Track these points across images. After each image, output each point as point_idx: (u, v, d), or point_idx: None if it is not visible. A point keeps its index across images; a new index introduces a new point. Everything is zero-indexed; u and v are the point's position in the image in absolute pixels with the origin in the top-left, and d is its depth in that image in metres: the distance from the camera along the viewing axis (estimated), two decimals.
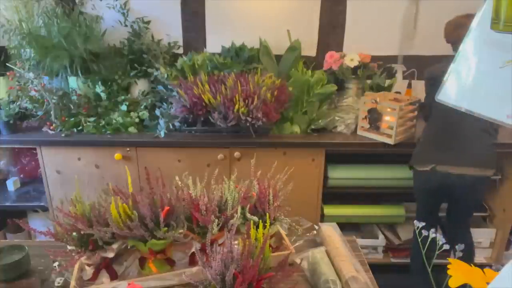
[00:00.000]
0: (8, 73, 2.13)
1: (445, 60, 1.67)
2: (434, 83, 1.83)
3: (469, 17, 1.79)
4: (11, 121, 2.07)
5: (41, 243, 1.29)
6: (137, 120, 2.14)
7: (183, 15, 2.40)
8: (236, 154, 2.06)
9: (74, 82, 2.23)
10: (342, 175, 2.22)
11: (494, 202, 2.30)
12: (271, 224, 1.09)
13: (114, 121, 2.11)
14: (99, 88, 2.25)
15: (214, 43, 2.43)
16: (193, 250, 1.08)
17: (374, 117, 2.04)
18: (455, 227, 2.06)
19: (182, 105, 2.01)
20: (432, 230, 0.82)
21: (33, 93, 2.12)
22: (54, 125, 2.09)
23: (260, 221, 1.01)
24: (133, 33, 2.34)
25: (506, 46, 0.61)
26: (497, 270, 0.58)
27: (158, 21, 2.40)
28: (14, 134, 2.08)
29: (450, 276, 0.68)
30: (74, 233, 1.02)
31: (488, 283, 0.65)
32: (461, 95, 0.68)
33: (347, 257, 1.10)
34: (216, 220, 1.05)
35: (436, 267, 0.86)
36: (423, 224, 0.87)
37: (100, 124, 2.10)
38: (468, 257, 2.06)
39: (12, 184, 2.29)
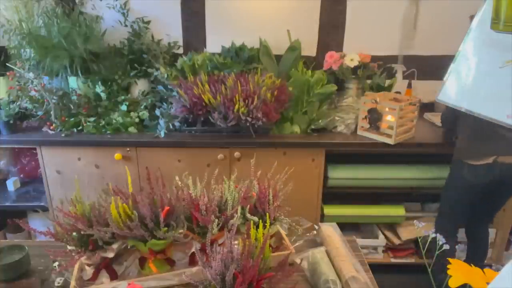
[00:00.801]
0: (8, 73, 2.13)
1: None
2: None
3: None
4: (11, 121, 2.07)
5: (41, 243, 1.29)
6: (137, 120, 2.14)
7: (183, 15, 2.40)
8: (236, 154, 2.06)
9: (74, 82, 2.23)
10: (342, 175, 2.21)
11: None
12: (271, 224, 1.09)
13: (114, 121, 2.11)
14: (99, 88, 2.25)
15: (214, 43, 2.43)
16: (193, 250, 1.08)
17: (374, 117, 2.04)
18: (479, 225, 2.07)
19: (182, 105, 2.01)
20: (432, 230, 0.82)
21: (33, 93, 2.12)
22: (54, 125, 2.09)
23: (260, 221, 1.01)
24: (133, 33, 2.34)
25: (506, 46, 0.61)
26: (497, 270, 0.58)
27: (158, 21, 2.40)
28: (14, 134, 2.08)
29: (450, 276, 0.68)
30: (74, 233, 1.02)
31: (488, 283, 0.65)
32: (461, 95, 0.69)
33: (347, 257, 1.10)
34: (216, 220, 1.05)
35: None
36: (424, 223, 0.86)
37: (100, 124, 2.10)
38: (485, 255, 2.07)
39: (12, 184, 2.29)
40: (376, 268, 1.17)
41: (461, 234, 2.24)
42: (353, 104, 2.23)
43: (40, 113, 2.10)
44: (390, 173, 2.22)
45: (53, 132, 2.09)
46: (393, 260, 2.32)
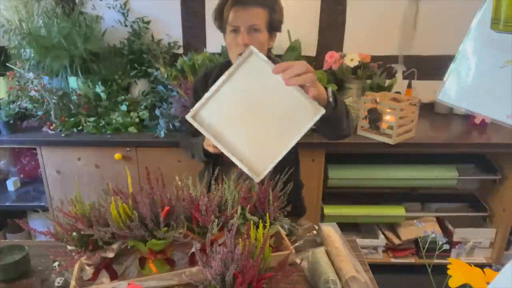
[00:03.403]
0: (8, 73, 2.13)
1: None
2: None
3: None
4: (11, 121, 2.07)
5: (41, 243, 1.29)
6: (137, 120, 2.14)
7: (183, 15, 2.40)
8: None
9: (74, 82, 2.23)
10: (342, 175, 2.21)
11: (494, 202, 2.30)
12: (271, 224, 1.09)
13: (114, 121, 2.11)
14: (99, 88, 2.25)
15: (214, 43, 2.43)
16: (193, 250, 1.08)
17: (374, 117, 2.04)
18: None
19: (182, 105, 2.01)
20: (433, 230, 0.82)
21: (33, 93, 2.12)
22: (54, 125, 2.09)
23: (260, 221, 1.01)
24: (133, 33, 2.34)
25: (506, 46, 0.61)
26: (497, 270, 0.58)
27: (158, 21, 2.40)
28: (14, 134, 2.08)
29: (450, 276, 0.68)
30: (74, 233, 1.02)
31: (488, 283, 0.65)
32: (461, 95, 0.69)
33: (347, 257, 1.10)
34: (216, 220, 1.05)
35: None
36: (424, 223, 0.86)
37: (100, 124, 2.10)
38: None
39: (12, 184, 2.29)
40: (376, 268, 1.17)
41: (460, 234, 2.25)
42: (353, 104, 2.22)
43: (40, 113, 2.10)
44: (390, 173, 2.22)
45: (53, 132, 2.08)
46: (393, 260, 2.32)
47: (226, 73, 0.91)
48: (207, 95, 0.92)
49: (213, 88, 0.92)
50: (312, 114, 0.89)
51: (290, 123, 0.91)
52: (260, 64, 0.89)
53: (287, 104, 0.89)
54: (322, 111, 0.87)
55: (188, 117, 0.94)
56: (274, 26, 1.31)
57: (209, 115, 0.94)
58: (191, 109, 0.94)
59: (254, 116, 0.91)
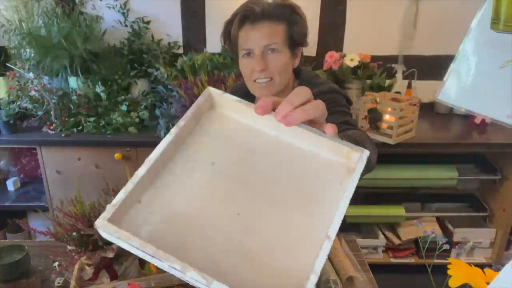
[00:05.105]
0: (8, 73, 2.13)
1: None
2: None
3: None
4: (11, 121, 2.07)
5: (41, 243, 1.29)
6: (137, 120, 2.14)
7: (183, 15, 2.40)
8: None
9: (74, 82, 2.23)
10: None
11: (494, 202, 2.30)
12: None
13: (114, 121, 2.11)
14: (99, 88, 2.26)
15: (214, 43, 2.43)
16: None
17: (374, 117, 2.04)
18: None
19: (182, 105, 2.01)
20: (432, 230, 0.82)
21: (33, 93, 2.13)
22: (54, 125, 2.09)
23: None
24: (133, 33, 2.34)
25: (506, 46, 0.61)
26: (497, 270, 0.58)
27: (158, 21, 2.40)
28: (14, 134, 2.08)
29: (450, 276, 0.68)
30: (74, 233, 1.02)
31: (488, 283, 0.65)
32: (461, 95, 0.69)
33: (346, 257, 1.10)
34: None
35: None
36: (424, 223, 0.86)
37: (100, 124, 2.10)
38: None
39: (12, 184, 2.29)
40: (376, 268, 1.17)
41: (460, 234, 2.25)
42: (353, 104, 2.22)
43: (40, 113, 2.10)
44: (390, 173, 2.22)
45: (53, 132, 2.08)
46: (393, 260, 2.32)
47: (169, 138, 0.46)
48: (138, 175, 0.46)
49: (146, 166, 0.45)
50: (348, 167, 0.48)
51: (316, 197, 0.47)
52: (228, 111, 0.48)
53: (301, 170, 0.48)
54: (366, 152, 0.47)
55: (100, 224, 0.42)
56: (296, 41, 1.11)
57: (147, 216, 0.46)
58: (104, 212, 0.43)
59: (237, 203, 0.46)
